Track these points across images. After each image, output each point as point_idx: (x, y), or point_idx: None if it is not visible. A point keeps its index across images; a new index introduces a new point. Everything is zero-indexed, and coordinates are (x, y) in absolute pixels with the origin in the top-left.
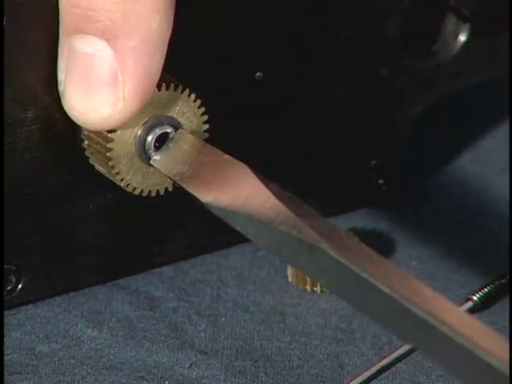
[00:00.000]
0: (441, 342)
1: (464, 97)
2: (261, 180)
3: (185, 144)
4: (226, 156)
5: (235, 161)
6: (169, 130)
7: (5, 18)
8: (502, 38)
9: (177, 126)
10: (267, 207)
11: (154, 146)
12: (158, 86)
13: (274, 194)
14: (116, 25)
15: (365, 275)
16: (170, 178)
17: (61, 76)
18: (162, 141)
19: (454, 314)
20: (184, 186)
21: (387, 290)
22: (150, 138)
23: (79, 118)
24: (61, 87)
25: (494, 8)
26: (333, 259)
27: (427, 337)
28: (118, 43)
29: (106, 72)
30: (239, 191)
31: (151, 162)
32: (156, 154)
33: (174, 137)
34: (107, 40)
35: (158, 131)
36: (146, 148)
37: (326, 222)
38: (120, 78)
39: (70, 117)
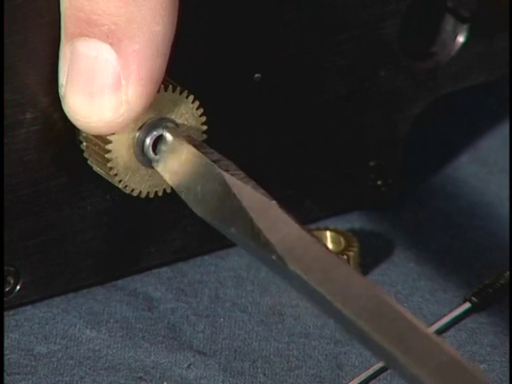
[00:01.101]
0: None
1: (463, 97)
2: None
3: (178, 151)
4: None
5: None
6: (167, 131)
7: (4, 19)
8: (500, 39)
9: (175, 128)
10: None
11: (152, 147)
12: (163, 87)
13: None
14: (120, 29)
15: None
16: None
17: (62, 79)
18: (160, 142)
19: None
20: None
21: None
22: (148, 140)
23: (80, 121)
24: (62, 90)
25: (493, 9)
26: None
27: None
28: (122, 47)
29: (109, 75)
30: None
31: (153, 165)
32: (156, 159)
33: (167, 143)
34: (111, 44)
35: (157, 133)
36: (145, 150)
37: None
38: (123, 82)
39: (70, 120)
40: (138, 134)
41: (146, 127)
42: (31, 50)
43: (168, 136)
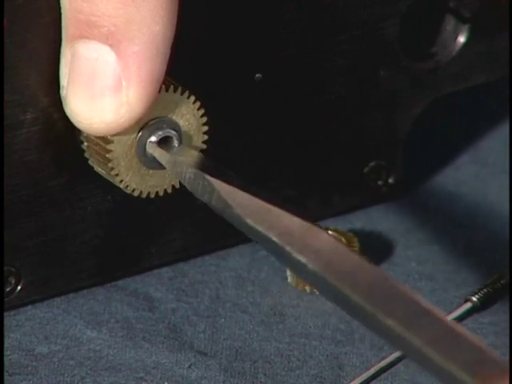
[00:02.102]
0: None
1: (464, 97)
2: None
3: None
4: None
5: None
6: (169, 133)
7: (4, 20)
8: (501, 39)
9: (177, 129)
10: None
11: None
12: (163, 87)
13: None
14: (119, 30)
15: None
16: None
17: (63, 81)
18: (162, 143)
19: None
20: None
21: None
22: (150, 141)
23: (82, 123)
24: (63, 92)
25: (493, 9)
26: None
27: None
28: (122, 48)
29: (109, 77)
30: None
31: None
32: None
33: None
34: (110, 45)
35: (159, 134)
36: (146, 150)
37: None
38: (124, 84)
39: (72, 122)
40: (139, 135)
41: (148, 127)
42: (31, 50)
43: (171, 138)
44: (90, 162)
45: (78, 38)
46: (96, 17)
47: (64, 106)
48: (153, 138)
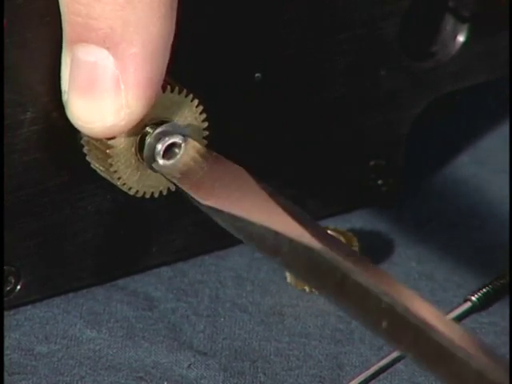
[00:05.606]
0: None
1: (464, 97)
2: (259, 184)
3: (187, 150)
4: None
5: (235, 165)
6: (176, 138)
7: (4, 20)
8: (500, 39)
9: (178, 130)
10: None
11: (159, 152)
12: (163, 88)
13: (271, 196)
14: (116, 32)
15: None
16: (171, 181)
17: (64, 86)
18: (167, 147)
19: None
20: (184, 188)
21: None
22: (151, 142)
23: (84, 127)
24: (65, 97)
25: (493, 8)
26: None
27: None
28: (119, 51)
29: (108, 80)
30: (240, 198)
31: (153, 165)
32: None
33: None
34: (108, 48)
35: (167, 139)
36: (149, 152)
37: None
38: (122, 86)
39: (74, 125)
40: (140, 135)
41: (150, 130)
42: (31, 50)
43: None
44: (88, 157)
45: (77, 42)
46: (93, 19)
47: (66, 110)
48: (159, 147)
